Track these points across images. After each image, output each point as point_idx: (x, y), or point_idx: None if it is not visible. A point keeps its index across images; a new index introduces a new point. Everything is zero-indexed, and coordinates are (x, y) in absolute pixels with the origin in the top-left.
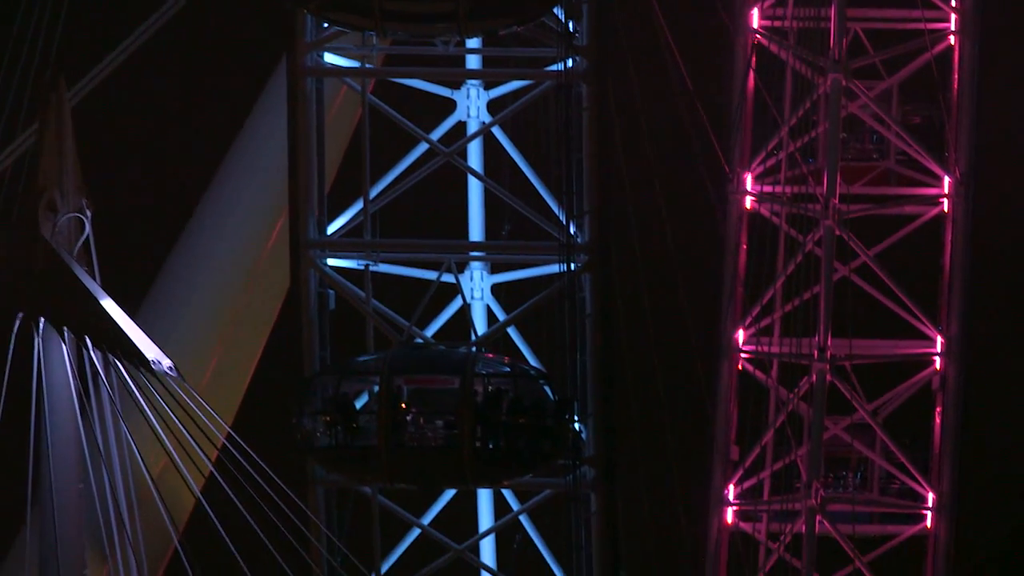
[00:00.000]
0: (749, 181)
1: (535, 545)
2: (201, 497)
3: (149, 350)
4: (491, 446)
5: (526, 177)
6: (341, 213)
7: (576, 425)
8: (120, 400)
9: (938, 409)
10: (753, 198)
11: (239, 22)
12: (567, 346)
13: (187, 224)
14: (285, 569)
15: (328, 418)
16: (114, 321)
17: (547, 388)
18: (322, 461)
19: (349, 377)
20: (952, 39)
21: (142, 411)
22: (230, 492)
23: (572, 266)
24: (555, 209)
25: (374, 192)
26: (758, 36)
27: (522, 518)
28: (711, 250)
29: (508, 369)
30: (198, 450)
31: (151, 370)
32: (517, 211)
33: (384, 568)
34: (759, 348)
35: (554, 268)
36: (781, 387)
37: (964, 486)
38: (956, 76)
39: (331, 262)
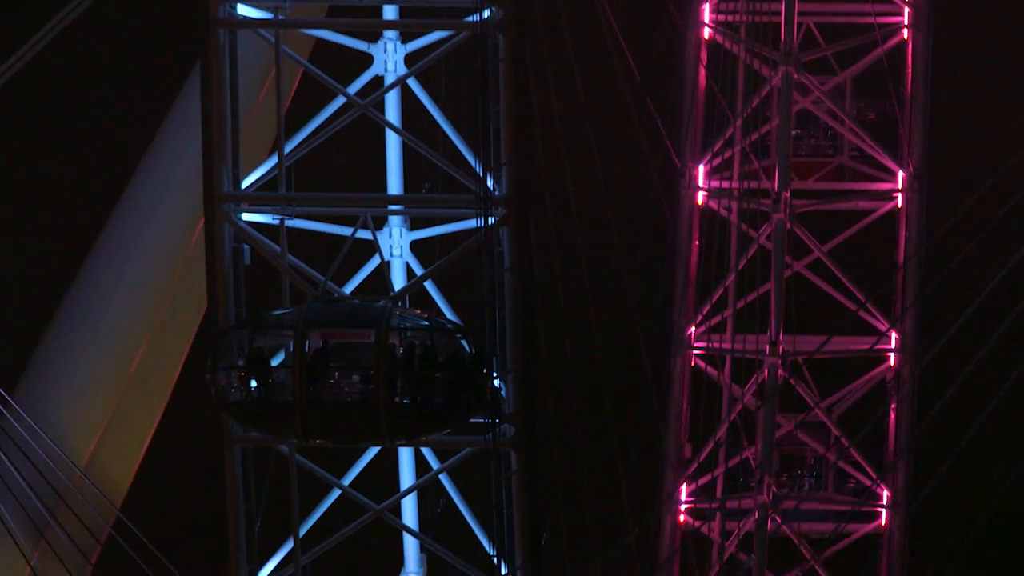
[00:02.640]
0: (701, 176)
1: (456, 507)
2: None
3: None
4: (407, 401)
5: (444, 131)
6: (256, 167)
7: (496, 382)
8: None
9: (893, 405)
10: (705, 193)
11: None
12: (484, 301)
13: (118, 202)
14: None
15: (242, 373)
16: None
17: (464, 342)
18: (237, 417)
19: (263, 331)
20: (905, 33)
21: None
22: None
23: (489, 219)
24: (472, 162)
25: (289, 147)
26: (709, 30)
27: (443, 478)
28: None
29: (425, 323)
30: None
31: None
32: (435, 167)
33: (304, 529)
34: (711, 344)
35: (473, 223)
36: (734, 384)
37: (919, 482)
38: (909, 70)
39: (246, 217)
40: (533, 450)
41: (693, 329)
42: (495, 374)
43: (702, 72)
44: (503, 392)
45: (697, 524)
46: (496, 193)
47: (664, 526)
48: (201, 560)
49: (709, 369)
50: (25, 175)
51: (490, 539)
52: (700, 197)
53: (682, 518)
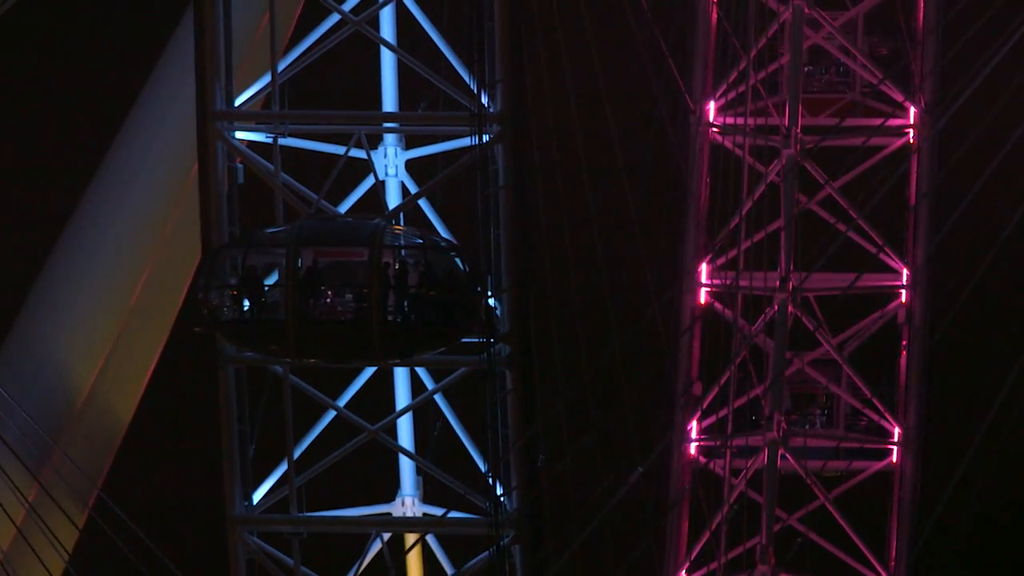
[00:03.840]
0: (712, 113)
1: (452, 429)
2: None
3: None
4: (400, 319)
5: (439, 48)
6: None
7: (491, 301)
8: None
9: (904, 343)
10: (716, 130)
11: None
12: (479, 219)
13: (119, 131)
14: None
15: (234, 292)
16: None
17: (459, 260)
18: (229, 336)
19: (256, 249)
20: None
21: None
22: None
23: (484, 137)
24: (466, 79)
25: (283, 65)
26: None
27: (439, 400)
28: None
29: (419, 241)
30: None
31: None
32: (431, 85)
33: (299, 451)
34: (722, 281)
35: (468, 141)
36: (744, 322)
37: (930, 420)
38: (921, 4)
39: (240, 135)
40: (528, 370)
41: (704, 266)
42: (490, 293)
43: (713, 6)
44: (498, 312)
45: (705, 461)
46: (491, 110)
47: (673, 463)
48: (203, 484)
49: (717, 305)
50: (27, 101)
51: (485, 460)
52: (711, 133)
53: (692, 455)
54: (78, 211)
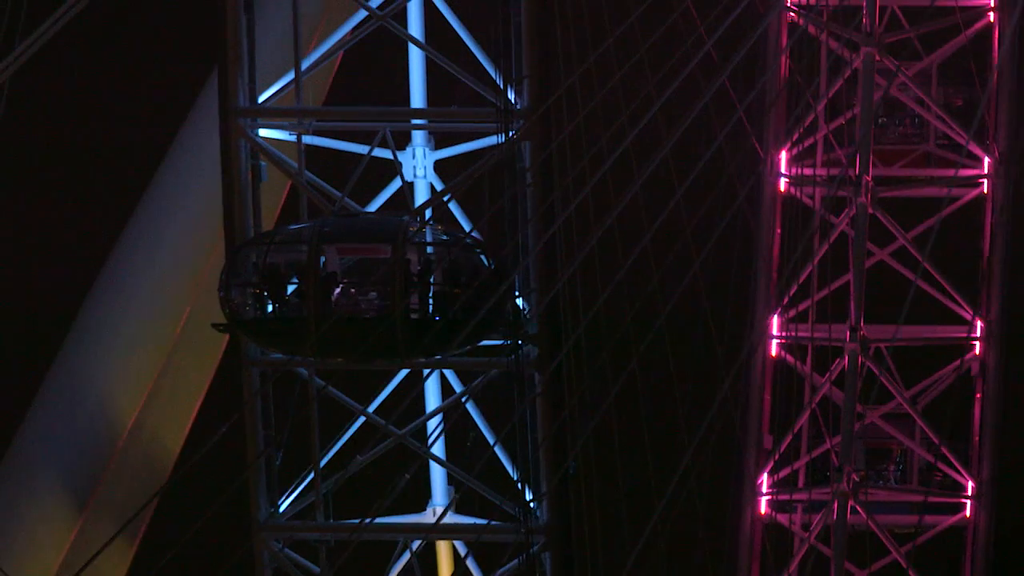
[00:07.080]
0: (783, 163)
1: (482, 434)
2: None
3: None
4: (425, 316)
5: (465, 44)
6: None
7: (519, 301)
8: None
9: (978, 396)
10: (787, 180)
11: None
12: (506, 217)
13: (165, 156)
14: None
15: (256, 289)
16: None
17: (483, 257)
18: (251, 335)
19: (277, 246)
20: (991, 16)
21: None
22: None
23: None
24: (493, 75)
25: (307, 63)
26: (791, 13)
27: (469, 406)
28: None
29: (444, 237)
30: None
31: None
32: (460, 83)
33: (326, 458)
34: (792, 333)
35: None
36: (815, 374)
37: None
38: (996, 52)
39: (263, 133)
40: (557, 373)
41: (775, 318)
42: (516, 292)
43: (784, 56)
44: (526, 312)
45: (775, 515)
46: (518, 107)
47: (744, 518)
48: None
49: (787, 357)
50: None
51: (514, 464)
52: (782, 184)
53: (763, 510)
54: (121, 240)
